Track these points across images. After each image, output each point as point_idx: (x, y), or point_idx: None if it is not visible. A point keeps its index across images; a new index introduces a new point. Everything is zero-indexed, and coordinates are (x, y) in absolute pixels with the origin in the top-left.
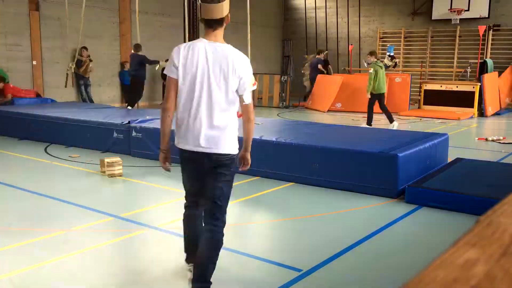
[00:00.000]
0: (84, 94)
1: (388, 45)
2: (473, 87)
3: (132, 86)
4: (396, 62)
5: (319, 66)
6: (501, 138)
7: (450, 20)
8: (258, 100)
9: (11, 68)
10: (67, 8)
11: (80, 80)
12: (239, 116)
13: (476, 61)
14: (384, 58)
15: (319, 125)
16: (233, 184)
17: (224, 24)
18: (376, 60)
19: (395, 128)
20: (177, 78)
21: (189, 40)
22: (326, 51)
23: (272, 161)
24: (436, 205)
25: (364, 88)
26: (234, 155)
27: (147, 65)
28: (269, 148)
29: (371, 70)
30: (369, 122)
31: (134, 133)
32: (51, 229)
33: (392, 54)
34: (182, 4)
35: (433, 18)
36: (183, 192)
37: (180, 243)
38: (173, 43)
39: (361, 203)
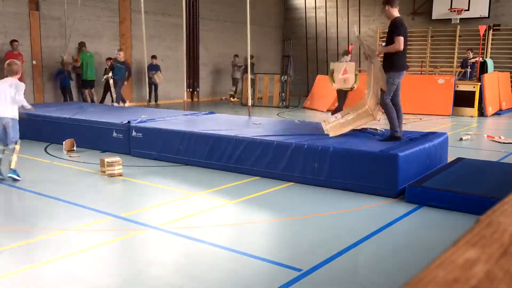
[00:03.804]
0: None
1: None
2: (473, 87)
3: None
4: None
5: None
6: (500, 137)
7: (450, 20)
8: (258, 100)
9: None
10: (66, 8)
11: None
12: None
13: (474, 58)
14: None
15: (319, 124)
16: (233, 183)
17: None
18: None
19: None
20: None
21: (188, 40)
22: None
23: (272, 161)
24: (436, 205)
25: (363, 88)
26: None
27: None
28: (269, 148)
29: None
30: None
31: (134, 133)
32: (51, 229)
33: None
34: (182, 3)
35: (433, 18)
36: (183, 192)
37: (180, 243)
38: (173, 42)
39: (361, 203)
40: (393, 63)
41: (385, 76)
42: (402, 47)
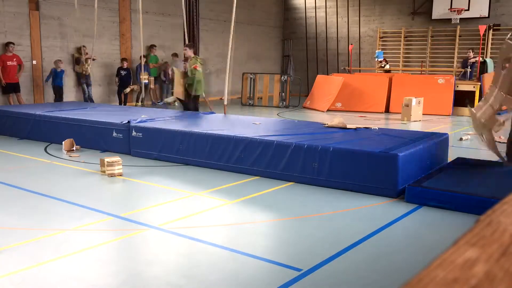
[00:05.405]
0: (86, 93)
1: (376, 51)
2: (473, 87)
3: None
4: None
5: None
6: (500, 137)
7: (450, 19)
8: (258, 99)
9: None
10: (67, 8)
11: (82, 79)
12: None
13: (474, 58)
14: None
15: (319, 124)
16: (233, 183)
17: None
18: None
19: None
20: None
21: (188, 40)
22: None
23: (272, 161)
24: (436, 205)
25: (363, 88)
26: None
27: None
28: (269, 148)
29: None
30: None
31: (134, 133)
32: (51, 229)
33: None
34: (182, 3)
35: (433, 17)
36: (183, 192)
37: (180, 242)
38: (173, 42)
39: (361, 203)
40: None
41: None
42: None
